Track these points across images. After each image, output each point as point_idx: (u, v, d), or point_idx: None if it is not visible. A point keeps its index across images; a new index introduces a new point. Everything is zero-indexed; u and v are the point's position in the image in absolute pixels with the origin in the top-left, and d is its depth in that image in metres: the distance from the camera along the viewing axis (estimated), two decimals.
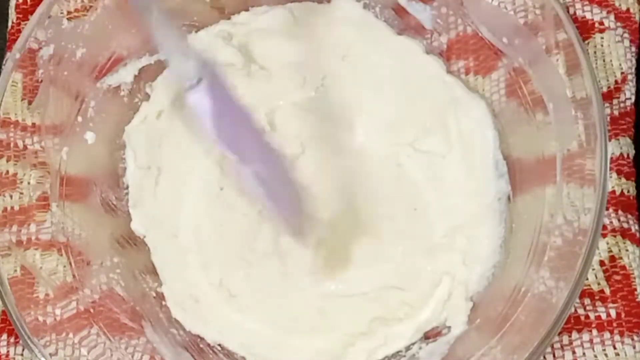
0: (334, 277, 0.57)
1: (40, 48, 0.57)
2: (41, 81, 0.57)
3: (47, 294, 0.55)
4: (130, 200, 0.61)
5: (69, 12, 0.58)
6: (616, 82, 0.59)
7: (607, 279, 0.54)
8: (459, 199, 0.58)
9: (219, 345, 0.58)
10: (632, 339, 0.53)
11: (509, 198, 0.58)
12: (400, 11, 0.62)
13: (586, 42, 0.59)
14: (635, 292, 0.54)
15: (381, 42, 0.61)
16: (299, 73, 0.61)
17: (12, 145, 0.57)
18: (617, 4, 0.60)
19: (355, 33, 0.62)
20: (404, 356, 0.56)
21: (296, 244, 0.56)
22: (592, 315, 0.54)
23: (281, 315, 0.57)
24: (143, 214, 0.60)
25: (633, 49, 0.60)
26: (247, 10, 0.63)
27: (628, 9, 0.60)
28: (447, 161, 0.59)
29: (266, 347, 0.57)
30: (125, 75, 0.62)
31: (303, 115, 0.60)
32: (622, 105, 0.59)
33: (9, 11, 0.64)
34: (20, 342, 0.55)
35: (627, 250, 0.55)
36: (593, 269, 0.54)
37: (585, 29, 0.60)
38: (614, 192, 0.56)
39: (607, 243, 0.55)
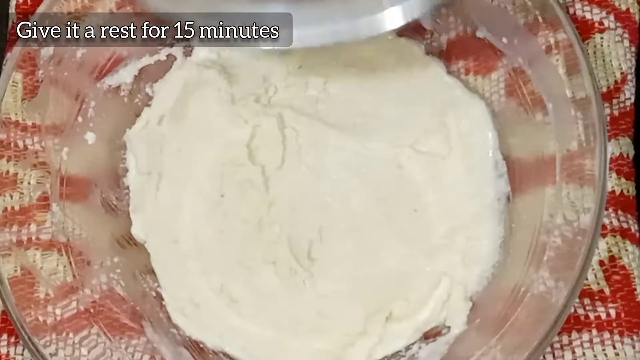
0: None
1: (40, 48, 0.57)
2: (41, 81, 0.57)
3: (47, 294, 0.55)
4: (131, 205, 0.61)
5: (69, 13, 0.58)
6: (616, 82, 0.59)
7: (607, 278, 0.54)
8: (459, 199, 0.58)
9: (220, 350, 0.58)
10: (632, 339, 0.53)
11: (508, 198, 0.58)
12: None
13: (586, 42, 0.59)
14: (635, 292, 0.54)
15: (381, 43, 0.61)
16: (301, 78, 0.61)
17: (12, 145, 0.57)
18: (616, 4, 0.60)
19: None
20: (404, 356, 0.56)
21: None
22: (591, 315, 0.54)
23: (281, 318, 0.57)
24: (143, 219, 0.60)
25: (633, 49, 0.60)
26: None
27: (628, 9, 0.60)
28: (447, 162, 0.59)
29: (267, 351, 0.57)
30: (125, 75, 0.62)
31: (305, 120, 0.60)
32: (621, 105, 0.59)
33: (9, 11, 0.64)
34: (20, 342, 0.55)
35: (626, 250, 0.55)
36: (593, 269, 0.54)
37: (585, 29, 0.60)
38: (613, 192, 0.56)
39: (607, 243, 0.55)
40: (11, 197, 0.56)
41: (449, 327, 0.56)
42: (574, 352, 0.53)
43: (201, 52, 0.62)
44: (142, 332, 0.57)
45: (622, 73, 0.59)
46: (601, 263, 0.55)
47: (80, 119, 0.60)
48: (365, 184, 0.59)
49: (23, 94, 0.58)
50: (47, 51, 0.57)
